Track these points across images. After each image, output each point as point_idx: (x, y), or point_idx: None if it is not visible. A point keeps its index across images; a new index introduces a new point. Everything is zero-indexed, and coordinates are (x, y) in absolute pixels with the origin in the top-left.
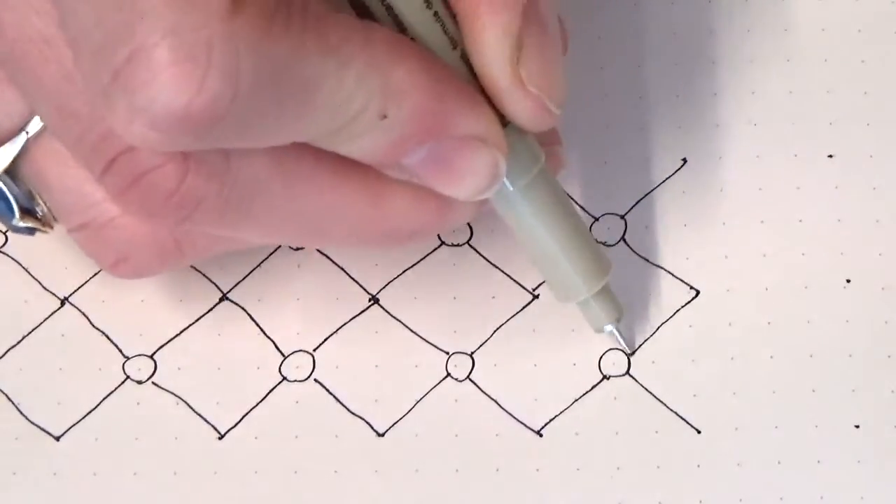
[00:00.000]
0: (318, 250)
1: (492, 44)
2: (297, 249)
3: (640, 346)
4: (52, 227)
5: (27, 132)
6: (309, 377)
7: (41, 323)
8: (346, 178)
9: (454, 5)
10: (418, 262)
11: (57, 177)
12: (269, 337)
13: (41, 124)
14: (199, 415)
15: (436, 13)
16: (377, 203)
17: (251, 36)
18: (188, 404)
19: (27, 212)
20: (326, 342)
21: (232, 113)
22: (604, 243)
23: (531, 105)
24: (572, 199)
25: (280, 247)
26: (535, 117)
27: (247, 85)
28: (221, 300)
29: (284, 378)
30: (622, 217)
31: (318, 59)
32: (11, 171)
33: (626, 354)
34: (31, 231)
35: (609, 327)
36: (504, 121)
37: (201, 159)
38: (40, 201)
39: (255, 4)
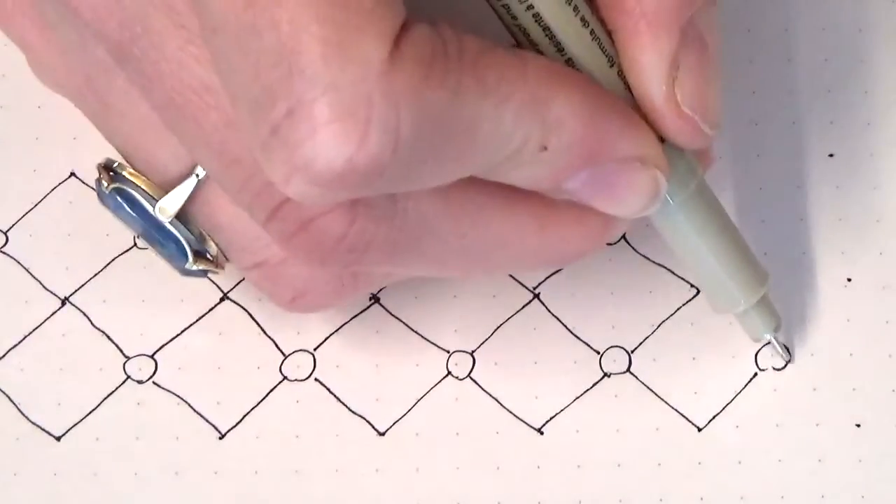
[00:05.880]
0: None
1: (648, 63)
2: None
3: (641, 343)
4: (223, 268)
5: (197, 175)
6: (309, 376)
7: (42, 323)
8: (513, 210)
9: (611, 23)
10: None
11: (229, 218)
12: (269, 336)
13: None
14: (200, 414)
15: (592, 31)
16: (543, 230)
17: (410, 87)
18: (189, 404)
19: (198, 254)
20: (327, 341)
21: (392, 164)
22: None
23: (685, 125)
24: None
25: None
26: (689, 138)
27: (407, 137)
28: (222, 300)
29: (285, 377)
30: None
31: (475, 102)
32: (181, 214)
33: (785, 363)
34: (203, 273)
35: (768, 336)
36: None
37: (369, 203)
38: (211, 243)
39: (414, 55)
